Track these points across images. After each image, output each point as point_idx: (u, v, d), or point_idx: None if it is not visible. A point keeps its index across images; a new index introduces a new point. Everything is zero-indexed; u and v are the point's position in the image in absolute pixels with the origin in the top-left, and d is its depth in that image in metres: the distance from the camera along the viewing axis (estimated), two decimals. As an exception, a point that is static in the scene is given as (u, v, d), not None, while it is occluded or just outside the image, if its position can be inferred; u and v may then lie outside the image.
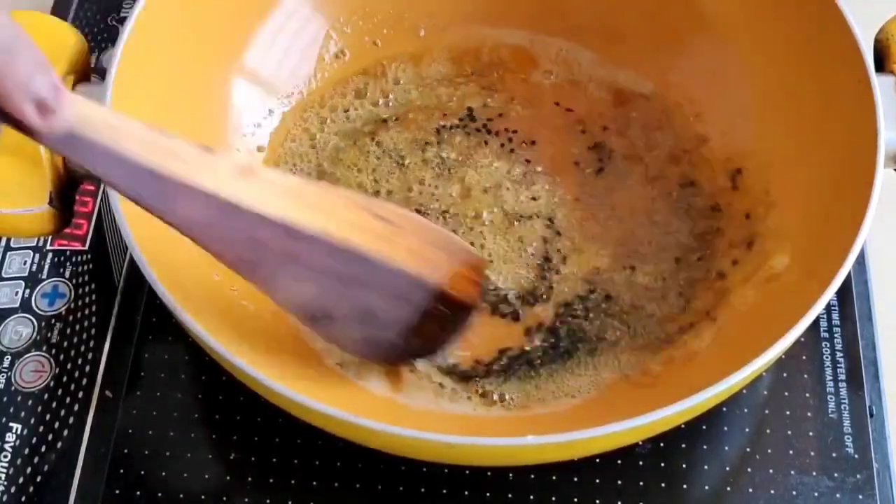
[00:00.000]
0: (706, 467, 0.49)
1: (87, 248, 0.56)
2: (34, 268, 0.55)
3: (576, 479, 0.49)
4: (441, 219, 0.53)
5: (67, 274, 0.55)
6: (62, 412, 0.51)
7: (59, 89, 0.33)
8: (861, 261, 0.54)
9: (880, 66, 0.48)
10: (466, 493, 0.48)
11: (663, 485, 0.48)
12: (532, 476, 0.49)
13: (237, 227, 0.39)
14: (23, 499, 0.49)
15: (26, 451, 0.50)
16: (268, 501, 0.49)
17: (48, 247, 0.56)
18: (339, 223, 0.41)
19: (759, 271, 0.48)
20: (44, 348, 0.53)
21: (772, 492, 0.48)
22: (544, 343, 0.49)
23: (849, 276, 0.51)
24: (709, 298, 0.49)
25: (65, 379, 0.52)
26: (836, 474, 0.49)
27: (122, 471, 0.49)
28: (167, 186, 0.37)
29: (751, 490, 0.48)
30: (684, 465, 0.49)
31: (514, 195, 0.54)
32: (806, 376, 0.51)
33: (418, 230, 0.44)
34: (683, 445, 0.49)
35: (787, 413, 0.50)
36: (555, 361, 0.49)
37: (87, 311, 0.54)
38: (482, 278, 0.47)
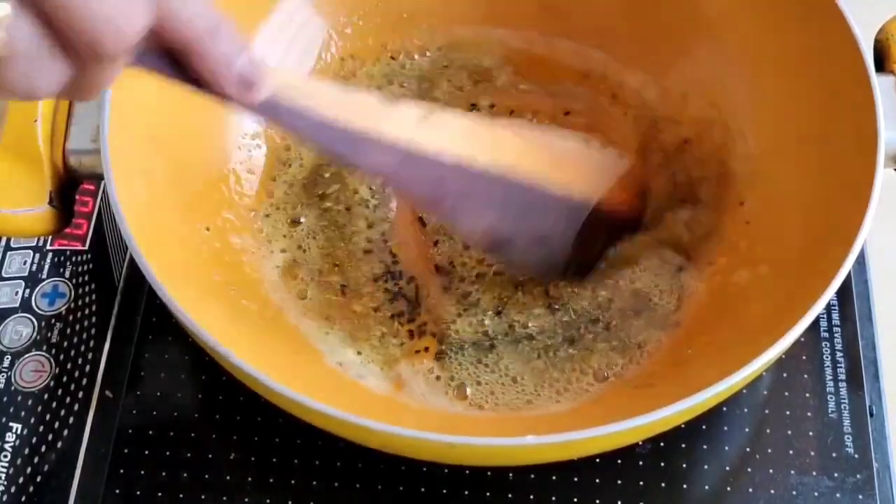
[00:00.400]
0: (706, 467, 0.49)
1: (87, 248, 0.56)
2: (34, 268, 0.55)
3: (576, 479, 0.49)
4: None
5: (67, 274, 0.55)
6: (62, 412, 0.51)
7: (257, 65, 0.37)
8: (861, 261, 0.54)
9: (880, 66, 0.48)
10: (466, 493, 0.48)
11: (663, 485, 0.48)
12: (532, 476, 0.49)
13: (418, 168, 0.44)
14: (23, 499, 0.49)
15: (26, 451, 0.50)
16: (268, 501, 0.49)
17: (48, 247, 0.56)
18: (509, 154, 0.46)
19: (753, 270, 0.48)
20: (44, 348, 0.53)
21: (772, 492, 0.48)
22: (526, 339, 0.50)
23: (849, 276, 0.51)
24: (700, 301, 0.50)
25: (65, 379, 0.52)
26: (836, 474, 0.49)
27: (122, 471, 0.49)
28: (356, 138, 0.42)
29: (751, 490, 0.48)
30: (684, 465, 0.49)
31: None
32: (806, 376, 0.51)
33: (579, 155, 0.49)
34: (683, 445, 0.49)
35: (787, 413, 0.50)
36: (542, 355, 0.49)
37: (87, 311, 0.54)
38: (642, 190, 0.52)
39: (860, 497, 0.48)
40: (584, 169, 0.49)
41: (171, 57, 0.35)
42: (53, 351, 0.53)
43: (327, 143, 0.42)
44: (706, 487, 0.49)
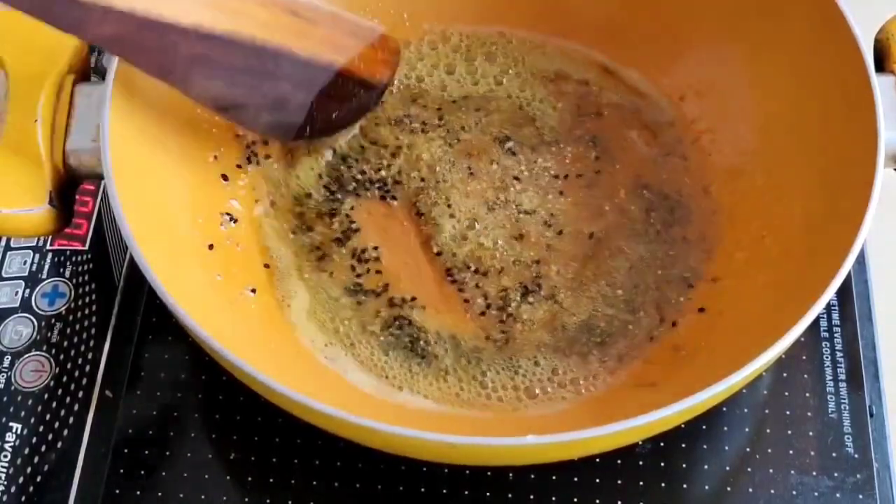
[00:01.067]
0: (706, 467, 0.49)
1: (87, 248, 0.56)
2: (34, 268, 0.55)
3: (576, 479, 0.49)
4: (447, 208, 0.53)
5: (67, 274, 0.55)
6: (62, 412, 0.51)
7: None
8: (861, 261, 0.54)
9: (880, 66, 0.48)
10: (466, 493, 0.48)
11: (663, 485, 0.49)
12: (532, 476, 0.49)
13: (150, 37, 0.42)
14: (23, 499, 0.49)
15: (26, 451, 0.50)
16: (268, 501, 0.49)
17: (48, 247, 0.56)
18: (251, 22, 0.45)
19: (754, 270, 0.48)
20: (44, 348, 0.53)
21: (772, 492, 0.48)
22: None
23: (849, 276, 0.51)
24: (700, 301, 0.50)
25: (65, 379, 0.52)
26: (836, 474, 0.49)
27: (122, 471, 0.49)
28: (81, 9, 0.40)
29: (751, 490, 0.48)
30: (684, 465, 0.49)
31: (516, 192, 0.54)
32: (806, 376, 0.51)
33: (330, 20, 0.49)
34: (683, 445, 0.49)
35: (787, 413, 0.50)
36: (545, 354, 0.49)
37: (87, 311, 0.54)
38: (394, 56, 0.53)
39: (860, 497, 0.48)
40: (331, 34, 0.49)
41: None
42: (53, 351, 0.53)
43: (48, 13, 0.40)
44: (706, 487, 0.49)
